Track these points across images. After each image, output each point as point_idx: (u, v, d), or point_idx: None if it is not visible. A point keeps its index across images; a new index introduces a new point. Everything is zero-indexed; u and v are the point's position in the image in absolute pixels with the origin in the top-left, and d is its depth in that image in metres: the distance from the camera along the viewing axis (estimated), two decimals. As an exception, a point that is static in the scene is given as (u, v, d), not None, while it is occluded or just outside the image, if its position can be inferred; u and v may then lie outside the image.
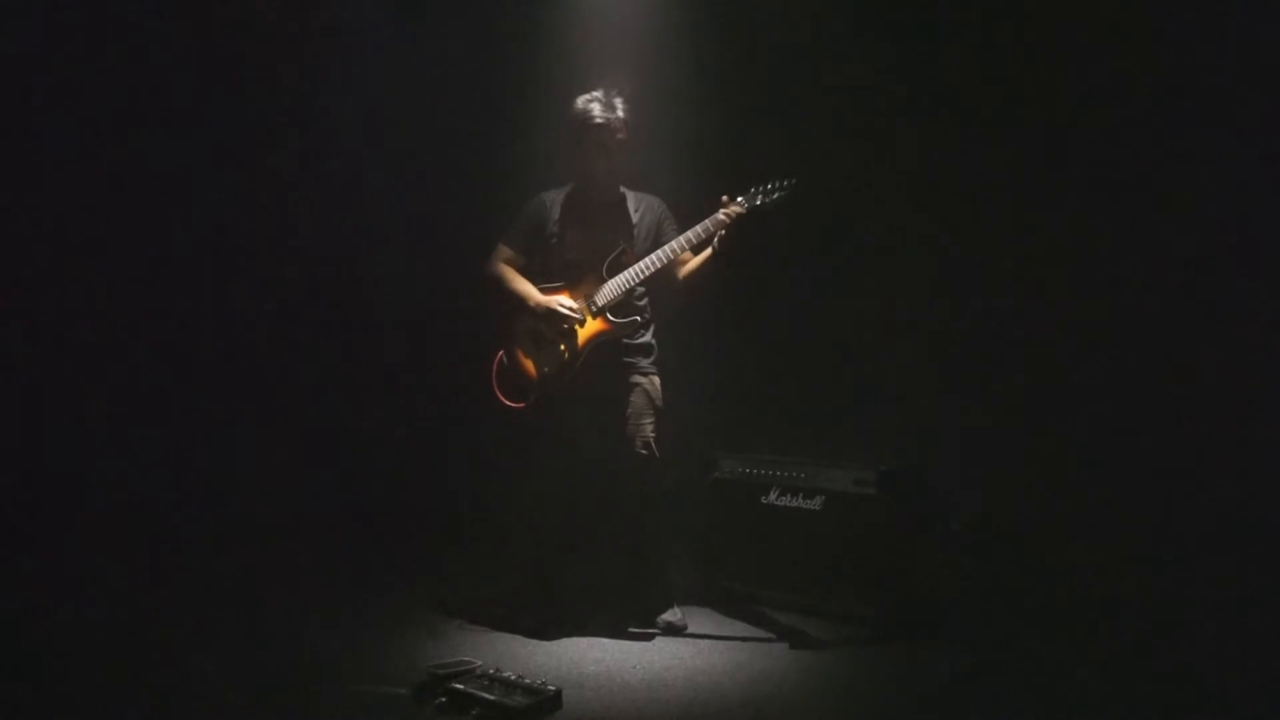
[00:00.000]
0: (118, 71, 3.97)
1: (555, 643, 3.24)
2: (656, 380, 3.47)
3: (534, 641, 3.24)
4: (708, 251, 3.27)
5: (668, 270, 3.33)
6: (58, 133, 3.89)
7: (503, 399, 3.42)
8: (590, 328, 3.34)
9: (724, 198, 3.20)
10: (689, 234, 3.25)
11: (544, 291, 3.40)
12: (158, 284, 4.16)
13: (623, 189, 3.50)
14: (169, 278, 4.18)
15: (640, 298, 3.45)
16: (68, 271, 3.94)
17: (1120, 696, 2.75)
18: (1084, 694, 2.78)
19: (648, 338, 3.49)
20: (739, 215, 3.16)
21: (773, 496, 3.65)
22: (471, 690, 2.65)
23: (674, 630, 3.37)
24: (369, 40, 4.42)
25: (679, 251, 3.28)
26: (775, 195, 3.19)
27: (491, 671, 2.78)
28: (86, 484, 3.94)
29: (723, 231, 3.17)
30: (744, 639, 3.31)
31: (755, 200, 3.20)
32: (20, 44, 3.78)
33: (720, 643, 3.29)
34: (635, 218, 3.45)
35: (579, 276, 3.38)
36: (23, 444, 3.86)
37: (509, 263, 3.49)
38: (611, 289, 3.33)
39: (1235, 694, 2.72)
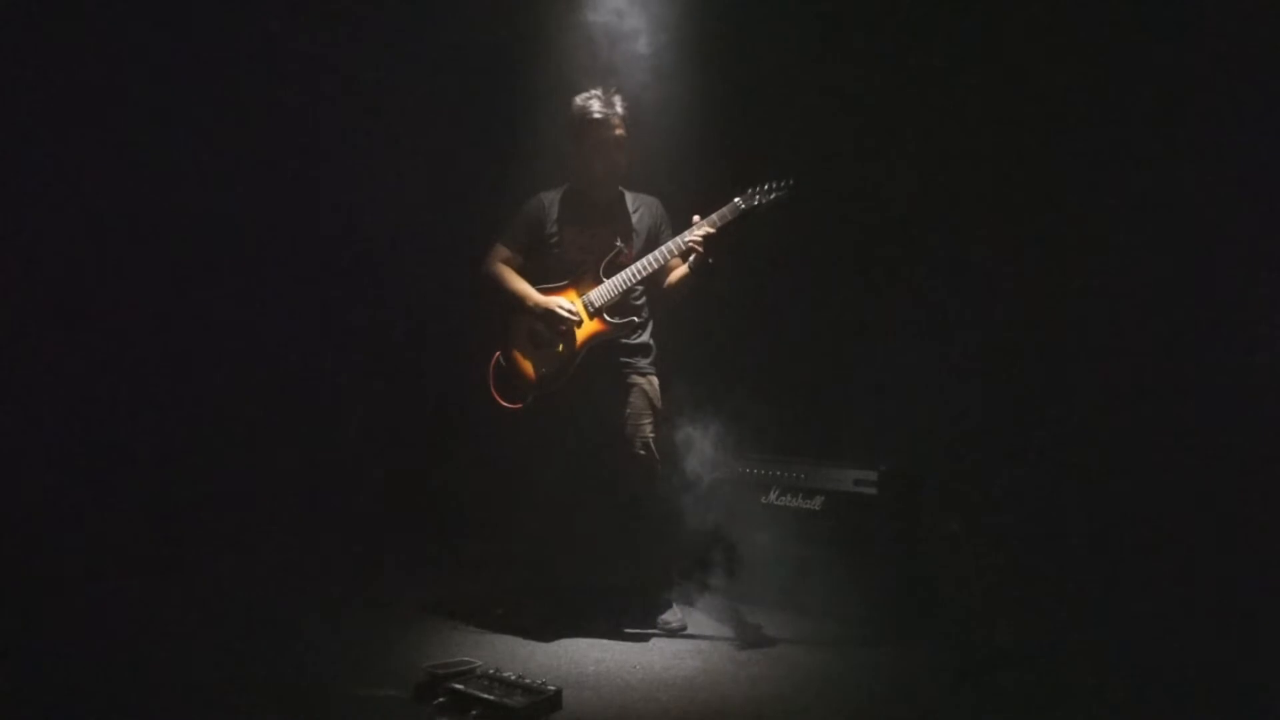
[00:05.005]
0: (118, 69, 3.98)
1: (555, 643, 3.24)
2: (655, 380, 3.47)
3: (534, 641, 3.24)
4: (684, 267, 3.30)
5: (658, 273, 3.34)
6: (57, 138, 3.90)
7: (499, 400, 3.42)
8: (588, 328, 3.34)
9: (695, 218, 3.22)
10: (672, 243, 3.27)
11: (541, 292, 3.40)
12: (156, 281, 4.16)
13: (621, 189, 3.50)
14: (166, 275, 4.18)
15: (638, 298, 3.45)
16: (66, 270, 3.94)
17: (1118, 696, 2.75)
18: (1082, 694, 2.78)
19: (645, 338, 3.49)
20: (708, 235, 3.18)
21: (773, 496, 3.66)
22: (471, 690, 2.65)
23: (673, 631, 3.37)
24: (370, 39, 4.42)
25: (672, 255, 3.28)
26: (773, 196, 3.20)
27: (491, 671, 2.79)
28: (86, 483, 3.94)
29: (697, 250, 3.19)
30: (743, 639, 3.31)
31: (753, 201, 3.21)
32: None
33: (720, 643, 3.29)
34: (634, 218, 3.45)
35: (576, 277, 3.38)
36: (23, 443, 3.86)
37: (506, 262, 3.48)
38: (609, 289, 3.33)
39: (1234, 694, 2.72)
